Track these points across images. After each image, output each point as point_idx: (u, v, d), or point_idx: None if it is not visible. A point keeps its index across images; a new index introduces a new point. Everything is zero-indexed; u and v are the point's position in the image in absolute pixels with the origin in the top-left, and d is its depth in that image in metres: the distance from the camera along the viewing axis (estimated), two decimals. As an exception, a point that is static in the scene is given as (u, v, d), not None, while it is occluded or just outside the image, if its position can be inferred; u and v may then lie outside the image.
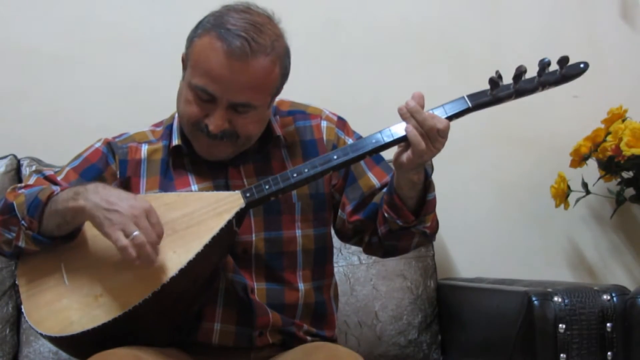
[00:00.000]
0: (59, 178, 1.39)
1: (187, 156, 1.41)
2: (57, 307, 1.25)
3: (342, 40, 2.09)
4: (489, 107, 1.27)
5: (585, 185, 2.01)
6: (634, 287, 1.45)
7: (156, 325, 1.28)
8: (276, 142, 1.43)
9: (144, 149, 1.43)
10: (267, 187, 1.27)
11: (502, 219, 2.11)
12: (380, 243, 1.40)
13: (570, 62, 1.24)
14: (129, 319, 1.20)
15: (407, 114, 1.24)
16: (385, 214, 1.33)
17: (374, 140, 1.27)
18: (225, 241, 1.28)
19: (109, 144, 1.44)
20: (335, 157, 1.28)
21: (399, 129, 1.26)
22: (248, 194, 1.28)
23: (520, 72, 1.23)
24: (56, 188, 1.28)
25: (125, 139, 1.45)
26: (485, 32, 2.15)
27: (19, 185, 1.37)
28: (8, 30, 1.97)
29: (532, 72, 1.25)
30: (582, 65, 1.26)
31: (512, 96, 1.26)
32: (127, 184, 1.40)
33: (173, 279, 1.20)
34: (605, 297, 1.41)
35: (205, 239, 1.23)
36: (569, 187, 1.99)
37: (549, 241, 2.12)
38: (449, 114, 1.25)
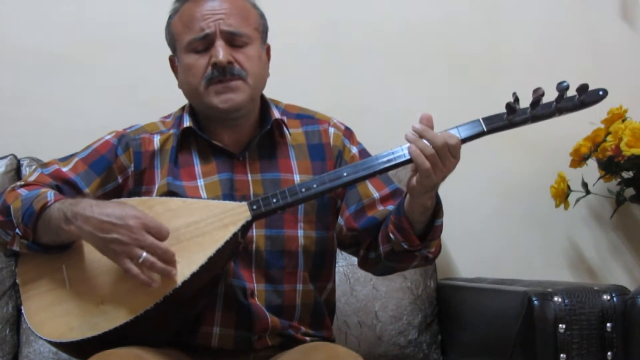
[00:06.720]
0: (66, 168, 1.38)
1: (195, 144, 1.41)
2: (58, 311, 1.25)
3: (342, 41, 2.08)
4: (504, 130, 1.24)
5: (585, 185, 2.01)
6: (634, 287, 1.45)
7: (156, 332, 1.28)
8: (281, 134, 1.43)
9: (157, 139, 1.42)
10: (274, 200, 1.26)
11: (502, 219, 2.11)
12: (378, 260, 1.40)
13: (578, 81, 1.21)
14: (130, 328, 1.20)
15: (413, 136, 1.21)
16: (391, 235, 1.32)
17: (385, 159, 1.25)
18: (230, 252, 1.27)
19: (121, 136, 1.43)
20: (345, 174, 1.25)
21: None
22: (255, 207, 1.26)
23: (538, 97, 1.19)
24: (50, 198, 1.26)
25: (136, 130, 1.44)
26: (485, 32, 2.14)
27: (19, 183, 1.36)
28: (8, 30, 1.97)
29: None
30: (601, 93, 1.21)
31: (527, 121, 1.23)
32: (142, 177, 1.39)
33: (176, 290, 1.20)
34: (605, 297, 1.41)
35: (210, 251, 1.22)
36: (569, 187, 1.99)
37: (549, 241, 2.12)
38: (463, 137, 1.23)
